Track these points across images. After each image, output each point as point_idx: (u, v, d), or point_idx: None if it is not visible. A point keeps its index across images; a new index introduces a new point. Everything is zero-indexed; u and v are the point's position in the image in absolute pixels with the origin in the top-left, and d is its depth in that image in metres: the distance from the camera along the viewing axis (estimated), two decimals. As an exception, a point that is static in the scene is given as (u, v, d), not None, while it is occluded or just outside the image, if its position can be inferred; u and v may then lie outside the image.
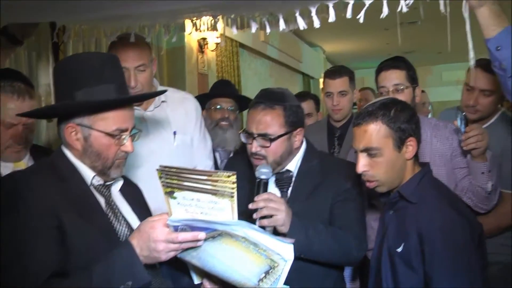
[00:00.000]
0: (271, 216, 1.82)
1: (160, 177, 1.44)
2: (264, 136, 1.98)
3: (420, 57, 11.18)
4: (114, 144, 1.60)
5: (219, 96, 3.15)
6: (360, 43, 10.35)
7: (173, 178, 1.42)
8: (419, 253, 1.69)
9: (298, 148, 2.11)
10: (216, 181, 1.36)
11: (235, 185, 1.35)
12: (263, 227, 1.87)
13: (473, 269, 1.66)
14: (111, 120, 1.58)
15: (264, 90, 2.11)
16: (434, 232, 1.68)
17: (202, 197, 1.40)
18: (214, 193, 1.38)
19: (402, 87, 2.44)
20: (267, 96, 2.03)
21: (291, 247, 1.37)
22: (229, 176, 1.34)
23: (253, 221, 1.77)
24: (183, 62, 5.84)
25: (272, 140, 1.98)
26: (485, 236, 2.38)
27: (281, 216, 1.82)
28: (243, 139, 2.07)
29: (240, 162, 2.26)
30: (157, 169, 1.45)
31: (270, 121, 1.98)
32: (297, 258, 1.83)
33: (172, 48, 5.76)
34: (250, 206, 1.82)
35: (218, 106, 3.11)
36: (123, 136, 1.61)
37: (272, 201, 1.83)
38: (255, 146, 1.99)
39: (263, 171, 1.93)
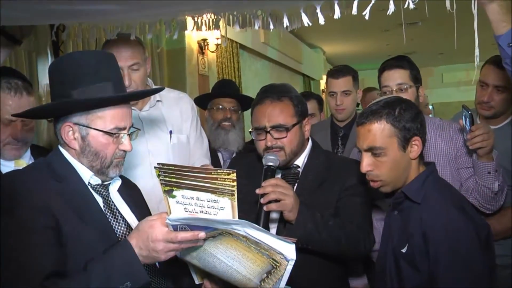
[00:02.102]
0: (279, 201, 1.79)
1: (159, 175, 1.41)
2: (278, 127, 1.98)
3: (421, 58, 11.12)
4: (112, 142, 1.57)
5: (221, 96, 3.12)
6: (361, 44, 10.34)
7: (172, 176, 1.39)
8: (424, 254, 1.66)
9: (307, 140, 2.12)
10: (216, 179, 1.32)
11: (235, 183, 1.31)
12: (267, 224, 1.83)
13: (479, 270, 1.62)
14: (108, 118, 1.55)
15: (266, 86, 2.11)
16: (439, 232, 1.64)
17: (201, 196, 1.37)
18: (214, 191, 1.34)
19: (405, 87, 2.41)
20: (272, 90, 2.04)
21: (293, 246, 1.33)
22: (229, 174, 1.31)
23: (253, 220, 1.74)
24: (183, 63, 5.83)
25: (288, 129, 1.98)
26: (501, 237, 2.36)
27: (289, 201, 1.79)
28: (253, 137, 2.06)
29: (243, 162, 2.24)
30: (155, 167, 1.42)
31: (281, 112, 1.98)
32: (303, 249, 1.81)
33: (173, 50, 5.75)
34: (258, 191, 1.79)
35: (220, 107, 3.09)
36: (121, 135, 1.59)
37: (280, 186, 1.81)
38: (270, 140, 1.98)
39: (270, 158, 1.93)
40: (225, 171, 1.32)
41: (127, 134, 1.60)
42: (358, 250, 1.94)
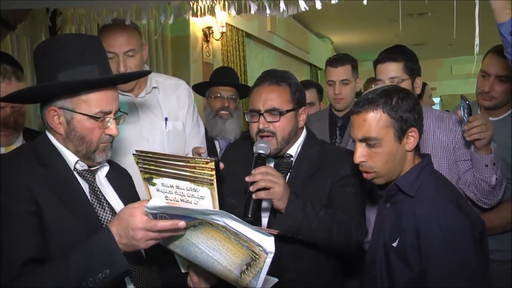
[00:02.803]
0: (268, 189, 1.76)
1: (137, 163, 1.38)
2: (272, 111, 1.95)
3: (430, 50, 11.03)
4: (98, 127, 1.55)
5: (219, 84, 3.08)
6: (369, 34, 10.21)
7: (151, 164, 1.36)
8: (416, 249, 1.61)
9: (302, 130, 2.09)
10: (194, 167, 1.29)
11: (214, 172, 1.28)
12: (256, 213, 1.80)
13: (472, 267, 1.58)
14: (93, 102, 1.52)
15: (267, 70, 2.09)
16: (432, 228, 1.59)
17: (181, 184, 1.34)
18: (193, 180, 1.31)
19: (398, 80, 2.33)
20: (272, 74, 2.02)
21: (272, 239, 1.29)
22: (207, 163, 1.27)
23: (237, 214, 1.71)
24: (187, 51, 5.79)
25: (281, 114, 1.95)
26: (499, 232, 2.31)
27: (279, 189, 1.76)
28: (247, 119, 2.04)
29: (238, 149, 2.22)
30: (134, 154, 1.39)
31: (277, 97, 1.96)
32: (294, 239, 1.79)
33: (177, 37, 5.70)
34: (247, 178, 1.76)
35: (218, 95, 3.05)
36: (107, 119, 1.56)
37: (270, 174, 1.77)
38: (262, 122, 1.95)
39: (261, 146, 1.90)
40: (203, 160, 1.28)
41: (113, 118, 1.57)
42: (349, 241, 1.90)
